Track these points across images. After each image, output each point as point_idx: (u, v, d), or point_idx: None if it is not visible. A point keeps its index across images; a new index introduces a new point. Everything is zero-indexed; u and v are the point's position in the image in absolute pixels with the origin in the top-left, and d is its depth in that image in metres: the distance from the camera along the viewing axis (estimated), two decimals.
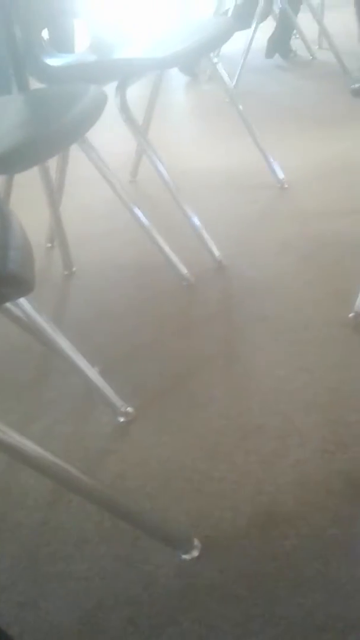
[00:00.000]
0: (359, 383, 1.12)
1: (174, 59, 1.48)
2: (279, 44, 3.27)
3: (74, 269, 1.63)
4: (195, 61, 3.02)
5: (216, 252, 1.56)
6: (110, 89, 1.39)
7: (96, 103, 1.11)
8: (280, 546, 0.86)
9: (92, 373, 1.09)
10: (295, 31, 3.29)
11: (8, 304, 1.03)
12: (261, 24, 3.03)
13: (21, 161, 1.00)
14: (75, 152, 1.41)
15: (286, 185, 1.90)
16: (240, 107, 1.88)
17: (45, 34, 1.54)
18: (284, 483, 0.95)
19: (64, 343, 1.07)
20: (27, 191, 1.56)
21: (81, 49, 1.64)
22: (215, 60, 1.91)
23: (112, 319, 1.43)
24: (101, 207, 1.91)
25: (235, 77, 2.89)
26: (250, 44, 2.96)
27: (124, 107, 1.50)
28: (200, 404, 1.13)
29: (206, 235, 1.56)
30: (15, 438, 0.73)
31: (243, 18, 2.94)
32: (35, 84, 1.46)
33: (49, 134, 1.02)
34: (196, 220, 1.56)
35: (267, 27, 3.22)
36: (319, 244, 1.58)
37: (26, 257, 0.66)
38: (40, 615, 0.82)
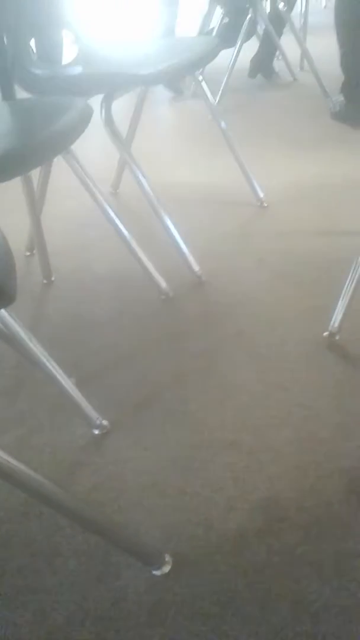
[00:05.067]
0: (332, 401, 1.14)
1: (159, 76, 1.50)
2: (262, 64, 3.33)
3: (53, 278, 1.62)
4: (180, 78, 3.05)
5: (195, 267, 1.57)
6: (95, 101, 1.40)
7: (82, 116, 1.11)
8: (251, 563, 0.86)
9: (68, 384, 1.09)
10: (278, 52, 3.36)
11: None
12: (245, 44, 3.08)
13: (4, 172, 1.00)
14: (58, 161, 1.41)
15: (265, 204, 1.94)
16: (223, 124, 1.91)
17: (32, 44, 1.55)
18: (256, 499, 0.95)
19: (40, 353, 1.07)
20: (7, 198, 1.56)
21: (68, 60, 1.65)
22: (200, 78, 1.94)
23: (90, 330, 1.42)
24: (82, 218, 1.91)
25: (218, 95, 2.93)
26: (233, 63, 3.01)
27: (108, 120, 1.51)
28: (175, 418, 1.14)
29: (186, 250, 1.58)
30: None
31: (227, 37, 2.99)
32: (20, 93, 1.46)
33: (34, 145, 1.02)
34: (176, 235, 1.58)
35: (251, 48, 3.28)
36: (296, 262, 1.61)
37: (8, 268, 0.66)
38: (8, 629, 0.81)
